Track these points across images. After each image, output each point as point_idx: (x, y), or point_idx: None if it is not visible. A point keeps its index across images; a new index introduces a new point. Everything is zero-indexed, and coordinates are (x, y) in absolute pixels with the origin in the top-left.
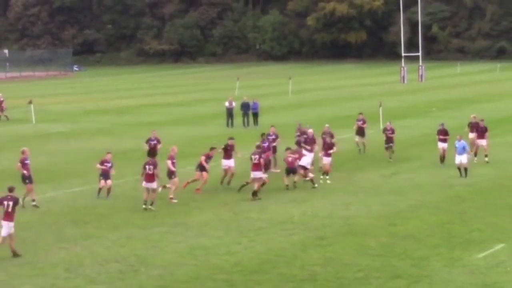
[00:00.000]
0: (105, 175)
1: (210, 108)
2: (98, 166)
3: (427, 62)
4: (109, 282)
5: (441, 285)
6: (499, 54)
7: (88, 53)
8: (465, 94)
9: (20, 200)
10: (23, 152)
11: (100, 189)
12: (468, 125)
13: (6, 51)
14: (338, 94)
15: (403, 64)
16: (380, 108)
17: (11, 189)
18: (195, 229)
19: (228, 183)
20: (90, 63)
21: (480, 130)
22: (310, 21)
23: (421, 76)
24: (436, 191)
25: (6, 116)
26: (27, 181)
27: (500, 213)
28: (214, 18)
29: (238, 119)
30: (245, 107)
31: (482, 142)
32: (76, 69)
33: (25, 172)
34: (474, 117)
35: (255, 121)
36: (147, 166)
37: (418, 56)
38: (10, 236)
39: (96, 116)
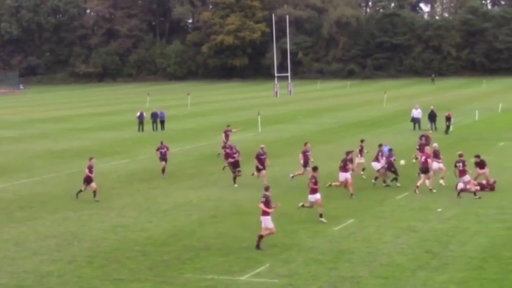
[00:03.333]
0: (88, 180)
1: (127, 117)
2: (87, 171)
3: (294, 81)
4: (49, 253)
5: (307, 251)
6: (349, 75)
7: (31, 75)
8: (324, 105)
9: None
10: (90, 159)
11: (80, 191)
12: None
13: None
14: (226, 105)
15: (276, 82)
16: (259, 116)
17: (266, 188)
18: (116, 211)
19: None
20: (33, 83)
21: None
22: (204, 49)
23: (290, 91)
24: (303, 179)
25: None
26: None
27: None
28: (129, 47)
29: (148, 125)
30: (154, 116)
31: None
32: (22, 88)
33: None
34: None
35: (162, 127)
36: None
37: (287, 76)
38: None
39: (38, 124)
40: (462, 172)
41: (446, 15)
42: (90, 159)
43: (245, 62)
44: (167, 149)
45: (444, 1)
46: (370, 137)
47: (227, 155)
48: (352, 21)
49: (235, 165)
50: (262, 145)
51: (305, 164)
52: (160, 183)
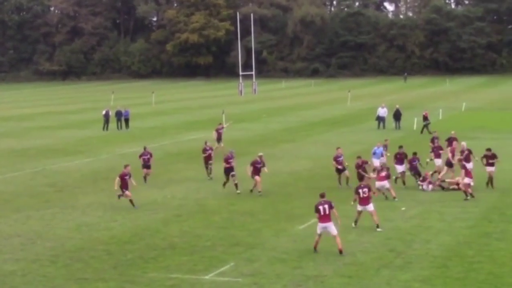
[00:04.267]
0: (125, 186)
1: (91, 115)
2: (118, 179)
3: (259, 79)
4: (13, 252)
5: (271, 250)
6: (313, 73)
7: None
8: (288, 104)
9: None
10: (125, 167)
11: (120, 195)
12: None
13: None
14: (191, 104)
15: (240, 81)
16: (223, 115)
17: (322, 195)
18: (80, 210)
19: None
20: None
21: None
22: (168, 47)
23: (255, 90)
24: (266, 178)
25: None
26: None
27: (315, 194)
28: (94, 45)
29: (113, 124)
30: (118, 114)
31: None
32: None
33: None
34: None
35: (127, 125)
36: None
37: (252, 75)
38: (334, 236)
39: (1, 122)
40: (469, 173)
41: (410, 14)
42: (125, 166)
43: (209, 61)
44: (151, 155)
45: (408, 1)
46: (334, 136)
47: (209, 157)
48: (316, 20)
49: (229, 171)
50: (260, 153)
51: (342, 169)
52: None
